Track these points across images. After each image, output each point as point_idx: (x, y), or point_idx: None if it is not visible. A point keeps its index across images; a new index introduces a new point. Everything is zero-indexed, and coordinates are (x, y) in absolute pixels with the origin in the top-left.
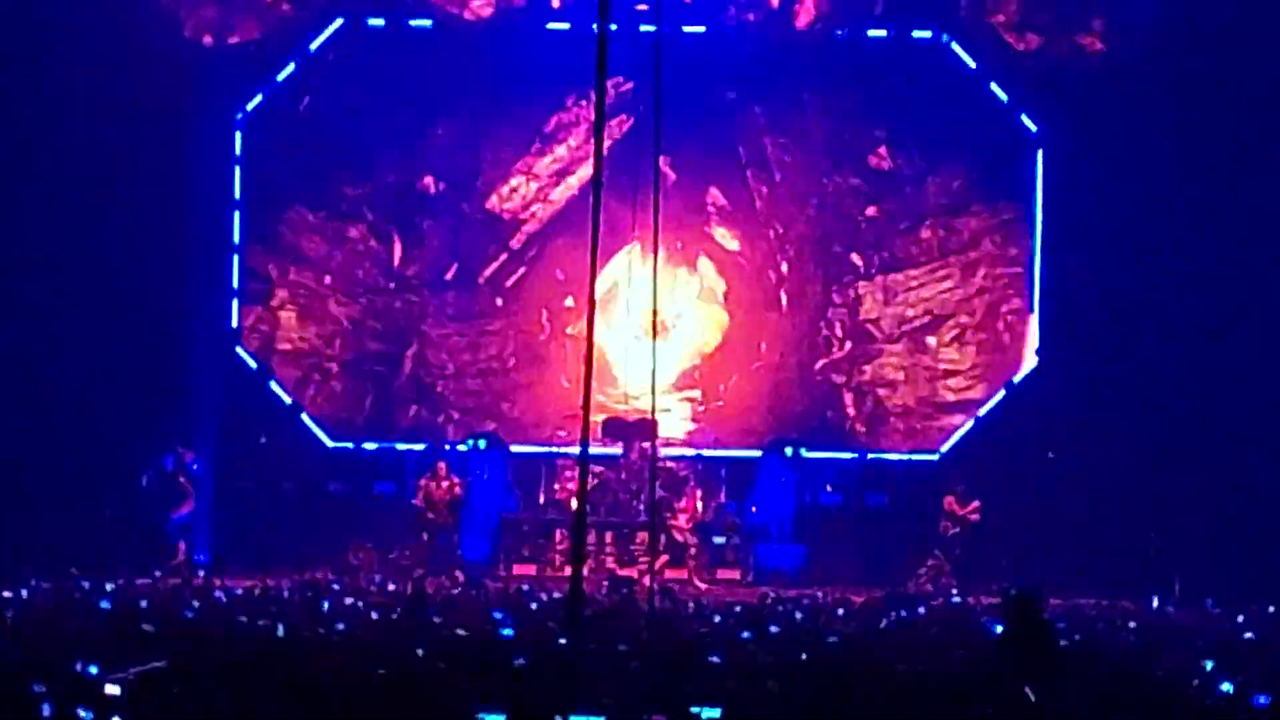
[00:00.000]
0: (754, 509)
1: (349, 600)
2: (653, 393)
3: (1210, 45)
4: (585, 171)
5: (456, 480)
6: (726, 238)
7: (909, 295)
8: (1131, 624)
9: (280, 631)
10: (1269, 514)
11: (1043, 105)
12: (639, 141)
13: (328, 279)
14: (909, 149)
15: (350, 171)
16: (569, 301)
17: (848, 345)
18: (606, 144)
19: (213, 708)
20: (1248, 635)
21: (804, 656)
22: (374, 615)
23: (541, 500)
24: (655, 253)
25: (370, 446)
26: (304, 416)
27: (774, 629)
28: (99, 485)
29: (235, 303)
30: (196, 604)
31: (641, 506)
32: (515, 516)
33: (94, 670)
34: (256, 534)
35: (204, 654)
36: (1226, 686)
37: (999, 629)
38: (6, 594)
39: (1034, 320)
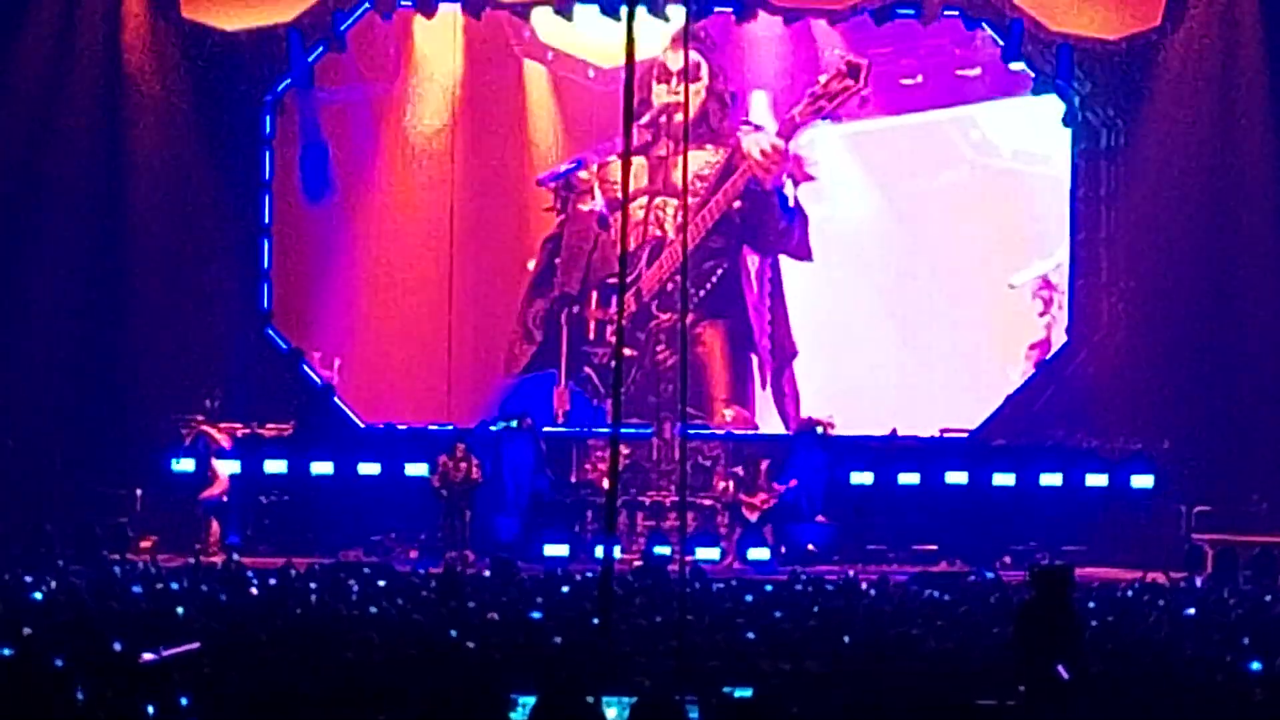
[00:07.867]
0: (792, 483)
1: (380, 582)
2: (683, 378)
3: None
4: None
5: (476, 462)
6: None
7: None
8: (1161, 601)
9: (311, 613)
10: None
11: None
12: None
13: None
14: None
15: None
16: None
17: None
18: None
19: (246, 689)
20: None
21: (846, 639)
22: (400, 601)
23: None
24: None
25: (403, 428)
26: (336, 398)
27: (809, 609)
28: (130, 468)
29: (266, 285)
30: (228, 586)
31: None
32: (547, 497)
33: (127, 653)
34: (287, 515)
35: (237, 636)
36: (1256, 665)
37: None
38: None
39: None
